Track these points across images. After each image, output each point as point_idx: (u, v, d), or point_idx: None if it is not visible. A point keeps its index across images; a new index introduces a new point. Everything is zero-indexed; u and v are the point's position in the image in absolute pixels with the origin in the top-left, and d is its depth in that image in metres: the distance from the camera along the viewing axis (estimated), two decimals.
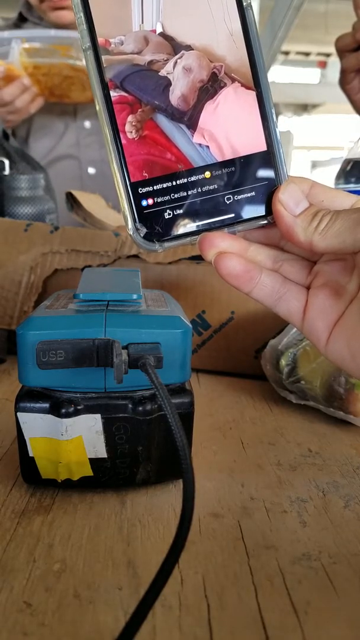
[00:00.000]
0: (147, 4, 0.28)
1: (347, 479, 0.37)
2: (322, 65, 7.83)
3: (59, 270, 0.59)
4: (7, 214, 0.81)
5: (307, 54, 7.38)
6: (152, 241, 0.28)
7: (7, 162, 0.81)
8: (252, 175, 0.29)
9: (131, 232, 0.28)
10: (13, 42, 0.96)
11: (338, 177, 0.58)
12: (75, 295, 0.33)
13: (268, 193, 0.29)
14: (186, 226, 0.28)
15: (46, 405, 0.31)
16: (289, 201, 0.28)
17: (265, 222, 0.29)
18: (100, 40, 0.27)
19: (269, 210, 0.29)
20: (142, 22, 0.28)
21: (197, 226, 0.28)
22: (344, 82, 0.75)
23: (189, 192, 0.28)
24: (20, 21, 1.19)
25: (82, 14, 0.27)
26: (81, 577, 0.27)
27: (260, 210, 0.29)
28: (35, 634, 0.23)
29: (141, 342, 0.30)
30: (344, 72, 0.74)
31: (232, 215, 0.29)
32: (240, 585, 0.26)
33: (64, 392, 0.31)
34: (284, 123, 7.91)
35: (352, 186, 0.56)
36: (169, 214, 0.28)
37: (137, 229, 0.28)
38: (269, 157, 0.29)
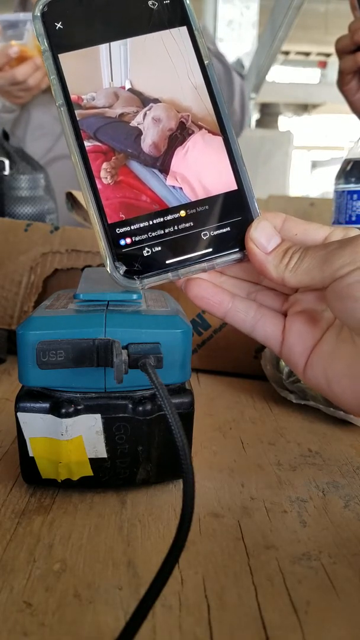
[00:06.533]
0: (116, 64, 0.29)
1: (347, 479, 0.37)
2: (322, 65, 7.84)
3: (59, 270, 0.59)
4: (7, 214, 0.81)
5: (307, 54, 7.38)
6: (132, 279, 0.29)
7: (7, 162, 0.81)
8: (225, 213, 0.29)
9: (110, 271, 0.29)
10: (28, 24, 0.99)
11: (338, 177, 0.58)
12: (75, 295, 0.33)
13: (241, 229, 0.29)
14: (164, 263, 0.29)
15: (46, 405, 0.31)
16: (260, 238, 0.29)
17: (241, 256, 0.30)
18: (72, 97, 0.29)
19: (244, 246, 0.29)
20: (112, 80, 0.29)
21: (175, 262, 0.29)
22: (341, 84, 0.76)
23: (165, 231, 0.29)
24: None
25: (54, 75, 0.29)
26: (81, 577, 0.27)
27: (235, 246, 0.30)
28: (35, 634, 0.23)
29: (141, 342, 0.30)
30: (341, 74, 0.75)
31: (209, 250, 0.29)
32: (240, 585, 0.26)
33: (64, 392, 0.31)
34: (284, 123, 7.91)
35: (352, 186, 0.56)
36: (147, 252, 0.29)
37: (116, 268, 0.29)
38: (240, 196, 0.30)
